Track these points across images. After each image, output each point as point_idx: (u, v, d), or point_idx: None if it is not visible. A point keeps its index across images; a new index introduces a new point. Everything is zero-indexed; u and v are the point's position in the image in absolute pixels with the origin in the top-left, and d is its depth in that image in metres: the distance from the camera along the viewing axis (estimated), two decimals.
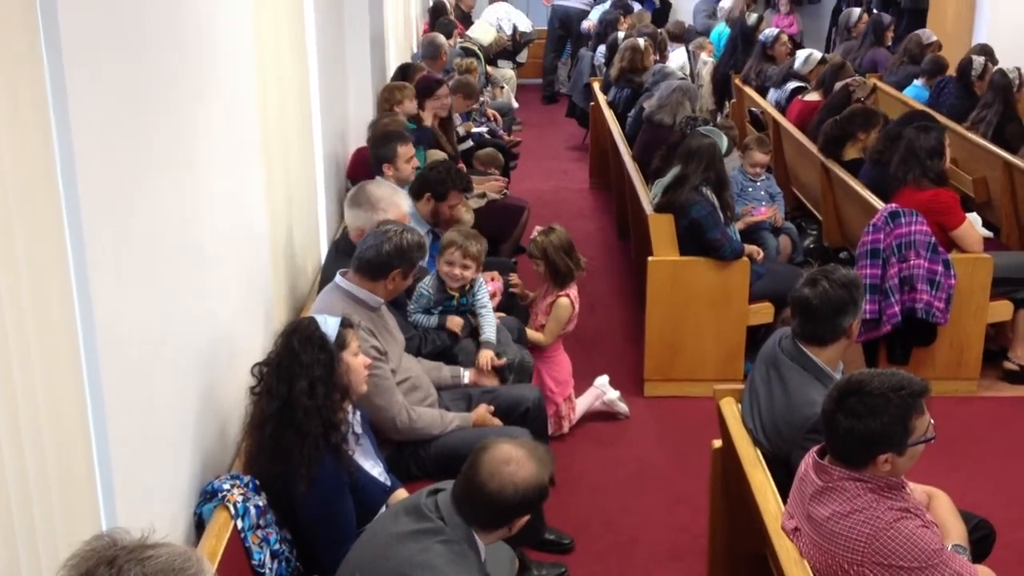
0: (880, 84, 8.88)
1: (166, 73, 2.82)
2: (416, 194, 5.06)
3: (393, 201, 4.33)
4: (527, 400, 4.18)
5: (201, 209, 3.11)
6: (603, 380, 5.31)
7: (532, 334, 4.94)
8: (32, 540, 1.98)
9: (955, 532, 2.93)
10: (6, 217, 1.88)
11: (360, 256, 3.81)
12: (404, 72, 7.48)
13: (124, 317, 2.44)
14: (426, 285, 4.46)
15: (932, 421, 2.72)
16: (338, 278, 3.85)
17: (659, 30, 10.26)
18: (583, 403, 5.21)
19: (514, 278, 5.26)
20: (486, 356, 4.31)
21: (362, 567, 2.68)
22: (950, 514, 3.01)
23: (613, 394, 5.28)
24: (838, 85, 7.43)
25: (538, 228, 5.01)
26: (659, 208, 5.53)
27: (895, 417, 2.64)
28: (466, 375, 4.27)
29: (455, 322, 4.42)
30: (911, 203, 5.27)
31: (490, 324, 4.45)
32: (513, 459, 2.68)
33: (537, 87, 13.68)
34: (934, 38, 9.30)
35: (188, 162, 3.00)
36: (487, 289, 4.72)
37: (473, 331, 4.49)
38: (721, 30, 11.64)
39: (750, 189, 6.37)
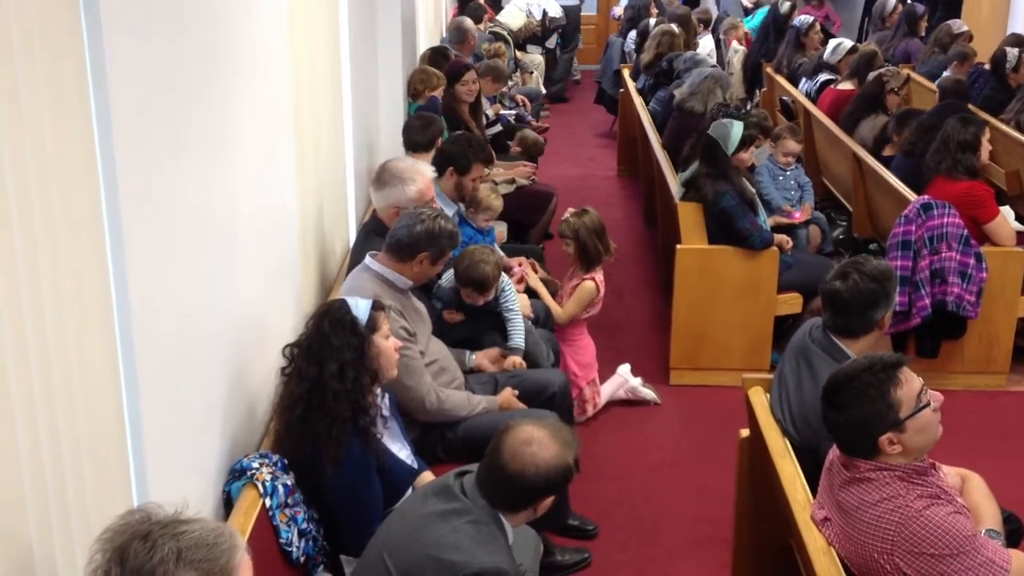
0: (913, 75, 8.79)
1: (201, 55, 2.82)
2: (439, 170, 5.03)
3: (418, 170, 4.32)
4: (553, 384, 4.18)
5: (233, 190, 3.12)
6: (625, 368, 5.31)
7: (551, 304, 4.94)
8: (66, 515, 2.00)
9: (989, 516, 2.88)
10: (46, 196, 1.89)
11: (392, 235, 3.83)
12: (437, 55, 7.48)
13: (158, 298, 2.45)
14: (445, 287, 4.44)
15: (924, 386, 2.70)
16: (368, 259, 3.86)
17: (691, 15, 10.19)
18: (607, 390, 5.21)
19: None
20: (513, 363, 4.27)
21: (390, 548, 2.69)
22: (984, 497, 2.96)
23: (635, 381, 5.27)
24: (872, 75, 7.35)
25: (571, 209, 5.00)
26: (686, 199, 5.51)
27: (874, 397, 2.65)
28: (472, 358, 4.26)
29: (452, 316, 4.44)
30: (945, 195, 5.22)
31: (519, 329, 4.37)
32: (535, 440, 2.67)
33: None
34: (965, 28, 9.21)
35: (221, 143, 3.00)
36: (516, 271, 4.71)
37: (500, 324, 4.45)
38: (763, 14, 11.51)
39: (780, 179, 6.30)
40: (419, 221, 3.79)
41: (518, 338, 4.35)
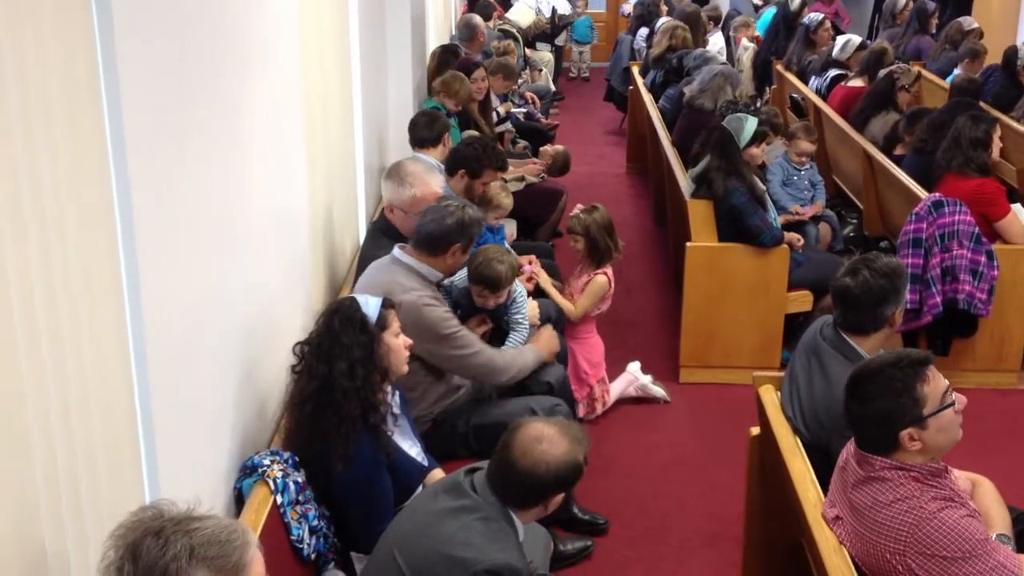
0: (924, 72, 8.76)
1: (212, 55, 2.83)
2: (450, 170, 5.04)
3: (423, 178, 4.33)
4: (550, 377, 4.17)
5: (244, 189, 3.13)
6: (635, 366, 5.31)
7: (563, 302, 4.92)
8: (79, 513, 2.01)
9: (999, 521, 2.89)
10: (58, 197, 1.89)
11: (421, 230, 3.83)
12: (447, 53, 7.48)
13: (169, 295, 2.46)
14: (458, 285, 4.40)
15: (950, 387, 2.69)
16: (397, 252, 3.86)
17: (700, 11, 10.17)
18: (617, 388, 5.20)
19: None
20: None
21: (401, 545, 2.70)
22: (995, 502, 2.96)
23: (645, 379, 5.27)
24: (882, 72, 7.33)
25: (580, 205, 5.00)
26: (696, 197, 5.50)
27: (900, 390, 2.64)
28: None
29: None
30: (956, 192, 5.21)
31: (519, 341, 4.27)
32: (545, 437, 2.68)
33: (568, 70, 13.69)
34: (975, 25, 9.17)
35: (232, 143, 3.01)
36: (526, 269, 4.69)
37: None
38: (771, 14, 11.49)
39: (795, 178, 6.29)
40: (448, 214, 3.81)
41: (509, 345, 4.23)
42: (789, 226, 5.85)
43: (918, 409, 2.63)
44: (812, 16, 9.52)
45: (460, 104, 6.50)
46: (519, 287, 4.37)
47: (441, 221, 3.79)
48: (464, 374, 3.90)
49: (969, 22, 9.23)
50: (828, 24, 9.44)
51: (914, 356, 2.69)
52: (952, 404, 2.67)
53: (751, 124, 5.44)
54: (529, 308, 4.45)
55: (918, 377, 2.65)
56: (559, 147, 7.45)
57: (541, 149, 7.43)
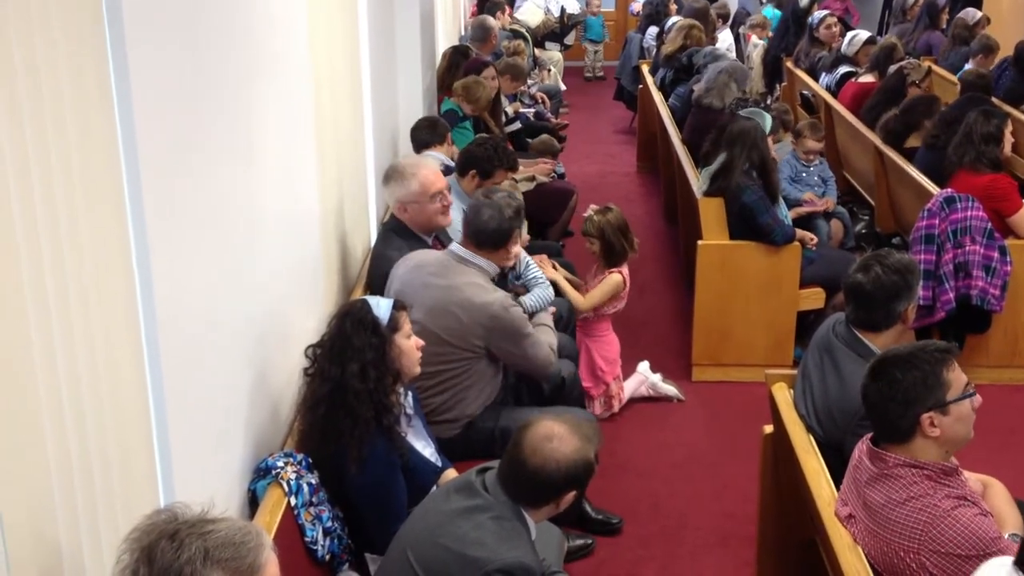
0: (935, 68, 8.72)
1: (222, 60, 2.83)
2: (461, 170, 5.06)
3: (419, 165, 4.36)
4: (561, 369, 4.17)
5: (255, 192, 3.13)
6: (644, 365, 5.31)
7: (572, 293, 4.92)
8: (93, 516, 2.01)
9: (1011, 521, 2.90)
10: (71, 204, 1.90)
11: (483, 229, 3.87)
12: (457, 54, 7.48)
13: (182, 298, 2.47)
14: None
15: (969, 381, 2.71)
16: (460, 250, 3.89)
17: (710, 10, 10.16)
18: (629, 388, 5.21)
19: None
20: None
21: (414, 545, 2.70)
22: (1006, 503, 2.97)
23: (655, 377, 5.27)
24: (892, 68, 7.30)
25: (593, 207, 5.00)
26: (709, 195, 5.50)
27: (927, 372, 2.65)
28: None
29: None
30: (968, 188, 5.19)
31: (544, 297, 4.34)
32: (555, 435, 2.68)
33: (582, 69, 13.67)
34: (979, 15, 9.09)
35: (243, 146, 3.02)
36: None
37: None
38: (773, 12, 11.49)
39: (804, 174, 6.30)
40: (504, 206, 3.87)
41: (531, 300, 4.27)
42: (800, 222, 5.84)
43: (941, 392, 2.65)
44: (816, 14, 9.51)
45: (477, 110, 6.54)
46: (524, 255, 4.42)
47: (501, 216, 3.84)
48: (528, 368, 3.94)
49: (973, 15, 9.14)
50: (830, 21, 9.38)
51: (939, 344, 2.74)
52: (973, 394, 2.69)
53: (767, 120, 5.57)
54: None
55: (944, 362, 2.68)
56: (543, 136, 7.52)
57: (531, 142, 7.47)
